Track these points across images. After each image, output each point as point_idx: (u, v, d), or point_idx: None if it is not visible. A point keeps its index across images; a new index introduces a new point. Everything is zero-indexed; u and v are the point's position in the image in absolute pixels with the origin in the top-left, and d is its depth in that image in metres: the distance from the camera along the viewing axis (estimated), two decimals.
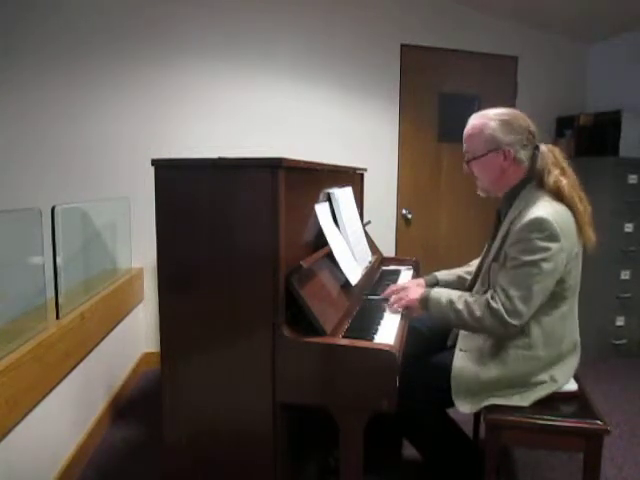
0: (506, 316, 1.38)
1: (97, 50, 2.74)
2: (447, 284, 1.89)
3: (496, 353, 1.47)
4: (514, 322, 1.38)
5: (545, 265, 1.36)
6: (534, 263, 1.36)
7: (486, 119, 1.52)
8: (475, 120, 1.55)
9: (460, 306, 1.47)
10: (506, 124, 1.50)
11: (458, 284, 1.87)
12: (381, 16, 3.21)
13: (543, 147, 1.51)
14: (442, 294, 1.54)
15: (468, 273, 1.89)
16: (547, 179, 1.45)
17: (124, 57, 2.79)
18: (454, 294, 1.52)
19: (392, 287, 1.82)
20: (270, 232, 1.32)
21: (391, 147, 3.34)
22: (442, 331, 1.77)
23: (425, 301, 1.55)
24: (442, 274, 1.93)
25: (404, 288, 1.71)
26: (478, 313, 1.42)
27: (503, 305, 1.38)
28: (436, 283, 1.89)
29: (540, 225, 1.35)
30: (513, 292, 1.38)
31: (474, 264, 1.92)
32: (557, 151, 1.51)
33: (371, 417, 1.34)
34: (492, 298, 1.42)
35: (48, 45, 2.66)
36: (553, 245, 1.35)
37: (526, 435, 1.43)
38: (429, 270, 2.03)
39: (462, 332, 1.59)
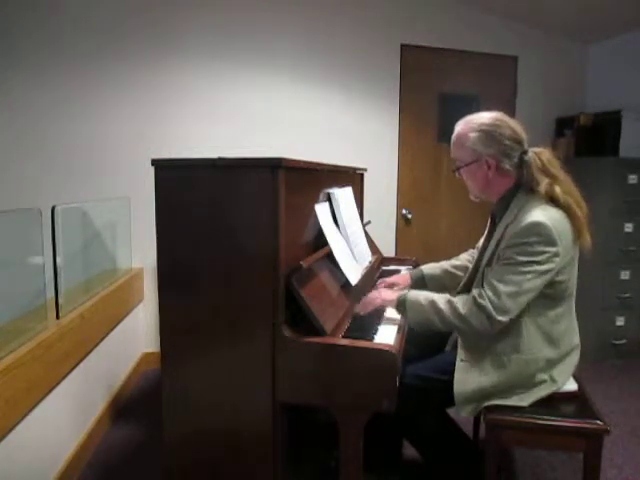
0: (493, 312, 1.37)
1: (97, 50, 2.74)
2: (434, 278, 1.88)
3: (496, 360, 1.46)
4: (500, 318, 1.37)
5: (538, 267, 1.36)
6: (528, 263, 1.36)
7: (468, 129, 1.50)
8: (459, 128, 1.53)
9: (442, 306, 1.45)
10: (487, 135, 1.46)
11: (445, 278, 1.87)
12: (381, 16, 3.21)
13: (530, 153, 1.45)
14: (420, 295, 1.52)
15: (455, 267, 1.88)
16: (537, 189, 1.42)
17: (124, 57, 2.79)
18: (434, 295, 1.50)
19: (380, 281, 1.90)
20: (270, 232, 1.32)
21: (391, 147, 3.34)
22: (441, 332, 1.77)
23: (402, 303, 1.52)
24: (428, 268, 1.92)
25: (378, 290, 1.69)
26: (463, 311, 1.42)
27: (490, 301, 1.38)
28: (422, 277, 1.89)
29: (537, 229, 1.35)
30: (502, 288, 1.37)
31: (462, 257, 1.92)
32: (546, 155, 1.45)
33: (371, 417, 1.34)
34: (479, 295, 1.41)
35: (48, 45, 2.66)
36: (549, 249, 1.35)
37: (526, 435, 1.43)
38: None
39: (461, 343, 1.57)
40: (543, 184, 1.41)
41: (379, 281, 1.92)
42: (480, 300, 1.40)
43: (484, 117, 1.49)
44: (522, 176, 1.47)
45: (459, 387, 1.47)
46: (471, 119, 1.51)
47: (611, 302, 3.18)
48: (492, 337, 1.46)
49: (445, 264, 1.91)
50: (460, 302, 1.45)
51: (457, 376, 1.48)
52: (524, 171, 1.46)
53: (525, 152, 1.47)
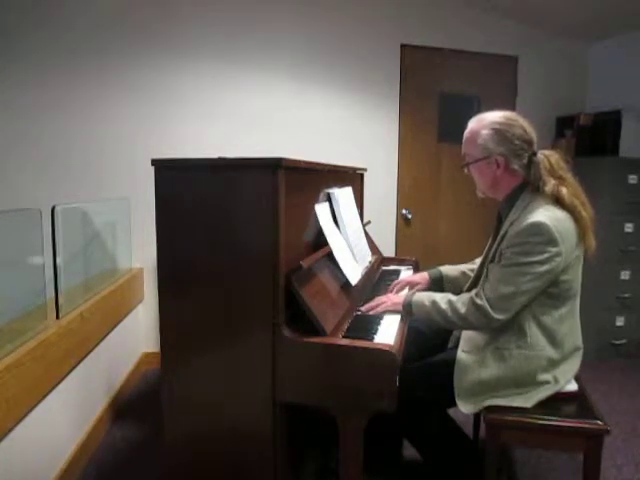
0: (491, 311, 1.40)
1: (96, 50, 2.73)
2: (451, 279, 1.90)
3: (497, 354, 1.47)
4: (498, 317, 1.40)
5: (539, 268, 1.36)
6: (529, 264, 1.37)
7: (480, 126, 1.51)
8: (472, 125, 1.55)
9: (444, 306, 1.49)
10: (499, 133, 1.47)
11: (462, 281, 1.88)
12: (381, 16, 3.20)
13: (539, 155, 1.47)
14: (424, 296, 1.56)
15: (472, 270, 1.89)
16: (544, 189, 1.43)
17: (124, 57, 2.79)
18: (437, 295, 1.54)
19: (398, 281, 1.93)
20: (270, 232, 1.32)
21: (391, 147, 3.34)
22: (443, 331, 1.77)
23: (409, 306, 1.58)
24: (446, 269, 1.93)
25: (387, 295, 1.75)
26: (462, 310, 1.45)
27: (488, 300, 1.40)
28: (440, 277, 1.90)
29: (539, 229, 1.35)
30: (502, 288, 1.39)
31: (478, 262, 1.93)
32: (554, 157, 1.47)
33: (371, 417, 1.34)
34: (477, 295, 1.44)
35: (48, 45, 2.66)
36: (551, 249, 1.36)
37: (526, 435, 1.43)
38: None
39: (464, 334, 1.59)
40: (550, 185, 1.43)
41: (397, 280, 1.94)
42: (477, 300, 1.42)
43: (497, 115, 1.51)
44: (530, 176, 1.48)
45: (459, 378, 1.48)
46: (484, 117, 1.53)
47: (611, 302, 3.18)
48: (495, 331, 1.47)
49: (463, 267, 1.93)
50: (460, 302, 1.47)
51: (457, 367, 1.50)
52: (532, 171, 1.47)
53: (534, 154, 1.48)
